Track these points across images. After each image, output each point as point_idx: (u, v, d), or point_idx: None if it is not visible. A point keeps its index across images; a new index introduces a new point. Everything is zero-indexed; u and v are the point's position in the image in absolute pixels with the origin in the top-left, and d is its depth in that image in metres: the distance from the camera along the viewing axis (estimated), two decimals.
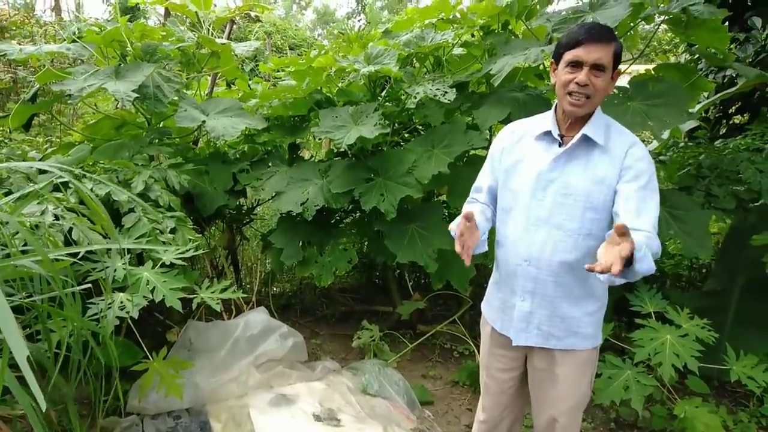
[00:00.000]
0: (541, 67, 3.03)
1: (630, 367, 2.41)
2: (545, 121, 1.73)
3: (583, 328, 1.74)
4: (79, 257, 2.01)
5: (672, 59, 3.82)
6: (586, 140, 1.62)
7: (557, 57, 1.64)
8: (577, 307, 1.72)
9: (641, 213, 1.52)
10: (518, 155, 1.75)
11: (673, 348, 2.35)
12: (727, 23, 2.68)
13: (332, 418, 2.58)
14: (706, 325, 2.48)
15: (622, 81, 2.92)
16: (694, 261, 3.94)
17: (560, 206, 1.64)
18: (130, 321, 2.51)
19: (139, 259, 2.70)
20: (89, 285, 2.01)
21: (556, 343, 1.75)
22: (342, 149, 2.91)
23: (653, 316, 2.58)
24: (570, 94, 1.59)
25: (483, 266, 3.84)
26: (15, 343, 1.02)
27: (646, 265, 1.38)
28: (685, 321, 2.52)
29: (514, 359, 1.88)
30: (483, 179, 1.90)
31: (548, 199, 1.66)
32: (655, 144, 3.81)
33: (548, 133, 1.70)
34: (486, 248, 1.74)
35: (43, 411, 1.00)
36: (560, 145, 1.67)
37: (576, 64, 1.57)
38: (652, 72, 2.97)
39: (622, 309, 3.12)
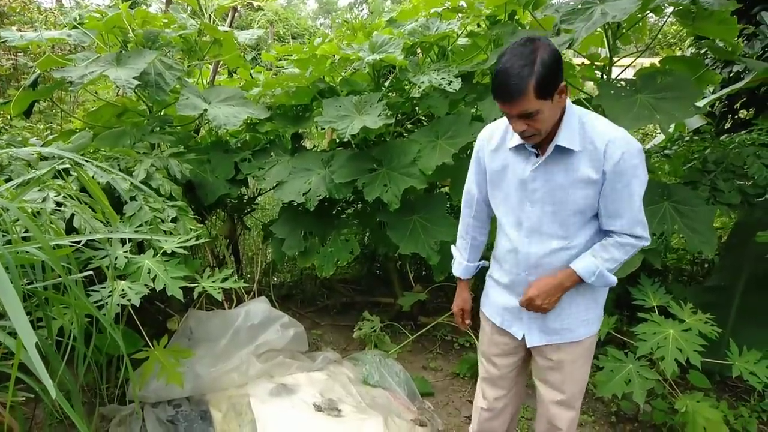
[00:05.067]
0: None
1: (632, 361, 2.41)
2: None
3: (585, 319, 1.76)
4: (80, 245, 1.99)
5: (678, 53, 3.78)
6: (562, 148, 1.58)
7: None
8: (576, 304, 1.74)
9: (615, 216, 1.59)
10: (503, 161, 1.73)
11: (676, 342, 2.34)
12: (735, 16, 2.64)
13: (333, 408, 2.58)
14: (709, 320, 2.47)
15: (628, 73, 2.90)
16: (697, 256, 3.93)
17: (550, 215, 1.65)
18: (131, 309, 2.51)
19: (140, 247, 2.69)
20: (90, 273, 1.99)
21: (560, 338, 1.75)
22: (345, 139, 2.88)
23: (656, 310, 2.57)
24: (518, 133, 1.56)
25: (485, 258, 3.84)
26: (23, 330, 1.01)
27: (602, 282, 1.64)
28: (688, 315, 2.51)
29: (515, 347, 1.89)
30: (472, 186, 1.90)
31: (536, 210, 1.67)
32: (660, 138, 3.78)
33: (523, 145, 1.66)
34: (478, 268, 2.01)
35: (53, 398, 0.99)
36: (537, 155, 1.64)
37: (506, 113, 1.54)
38: (659, 65, 2.94)
39: (624, 303, 3.12)
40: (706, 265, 3.96)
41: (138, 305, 2.15)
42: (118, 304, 2.12)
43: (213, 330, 2.76)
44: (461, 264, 2.01)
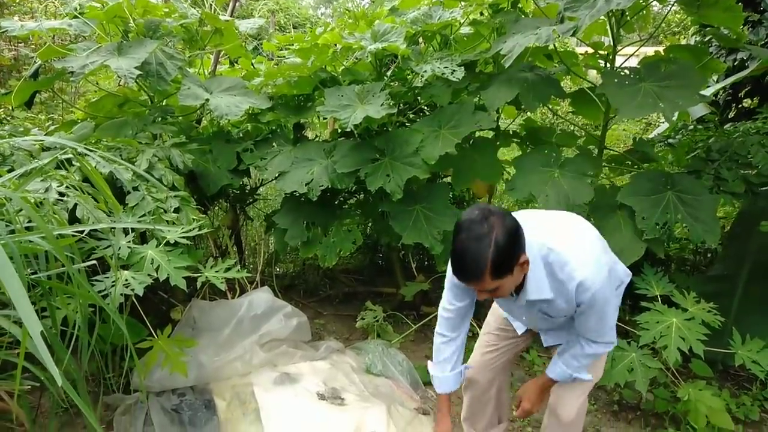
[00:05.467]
0: (551, 47, 2.98)
1: (635, 350, 2.41)
2: None
3: None
4: (83, 235, 2.00)
5: (682, 41, 3.75)
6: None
7: None
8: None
9: (587, 330, 1.71)
10: None
11: (679, 331, 2.34)
12: (740, 4, 2.62)
13: (336, 396, 2.59)
14: (712, 309, 2.47)
15: (632, 62, 2.88)
16: (700, 245, 3.92)
17: (544, 321, 1.80)
18: (134, 299, 2.52)
19: (143, 237, 2.69)
20: (94, 262, 2.00)
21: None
22: (347, 129, 2.87)
23: (659, 299, 2.57)
24: None
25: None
26: (29, 319, 1.01)
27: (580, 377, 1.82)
28: (691, 305, 2.51)
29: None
30: (451, 300, 1.84)
31: (532, 320, 1.87)
32: (664, 126, 3.76)
33: None
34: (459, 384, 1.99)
35: (60, 386, 1.00)
36: (515, 297, 1.68)
37: None
38: (663, 53, 2.92)
39: (626, 292, 3.11)
40: (709, 255, 3.96)
41: (141, 295, 2.16)
42: (121, 294, 2.13)
43: (216, 320, 2.77)
44: (444, 376, 1.93)
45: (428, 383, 2.93)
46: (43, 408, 2.28)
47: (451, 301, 1.81)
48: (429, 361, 2.01)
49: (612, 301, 1.66)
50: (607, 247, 1.75)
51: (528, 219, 1.59)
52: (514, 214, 1.70)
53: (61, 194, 2.21)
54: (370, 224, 3.90)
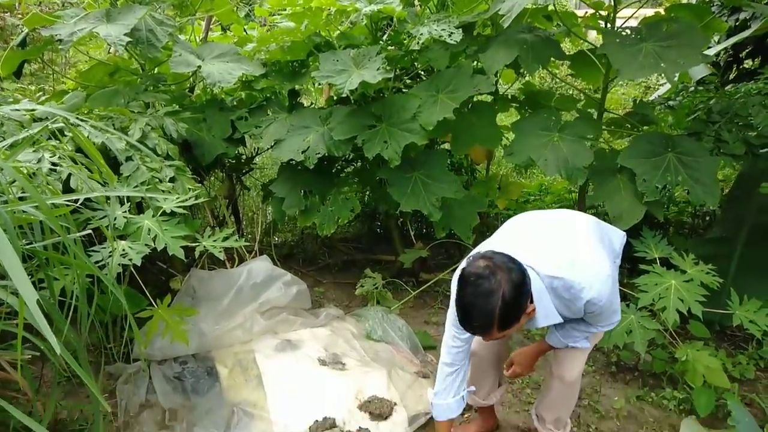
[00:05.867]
0: (550, 7, 2.91)
1: (633, 312, 2.42)
2: None
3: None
4: (78, 204, 1.98)
5: (683, 0, 3.68)
6: None
7: None
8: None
9: (595, 324, 1.75)
10: None
11: (678, 293, 2.35)
12: None
13: (337, 362, 2.62)
14: (711, 271, 2.48)
15: (632, 24, 2.82)
16: (699, 208, 3.91)
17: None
18: (133, 270, 2.51)
19: (139, 208, 2.67)
20: (89, 232, 1.98)
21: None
22: (343, 95, 2.82)
23: (658, 261, 2.58)
24: None
25: (486, 214, 3.83)
26: (24, 288, 1.00)
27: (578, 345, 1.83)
28: (689, 266, 2.51)
29: None
30: (455, 336, 1.80)
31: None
32: (666, 88, 3.71)
33: None
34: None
35: (59, 354, 0.99)
36: None
37: None
38: (664, 13, 2.85)
39: (625, 255, 3.12)
40: (707, 218, 3.96)
41: (139, 265, 2.15)
42: (119, 264, 2.12)
43: (216, 289, 2.77)
44: (446, 403, 1.86)
45: (428, 347, 2.97)
46: (46, 378, 2.30)
47: (455, 337, 1.79)
48: (429, 389, 1.96)
49: (616, 294, 1.69)
50: (602, 230, 1.79)
51: (525, 245, 1.62)
52: (505, 233, 1.77)
53: (53, 165, 2.19)
54: (368, 192, 3.88)
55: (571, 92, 4.98)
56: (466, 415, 2.42)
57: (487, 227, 3.73)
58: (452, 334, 1.77)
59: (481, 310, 1.43)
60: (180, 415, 2.30)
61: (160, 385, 2.42)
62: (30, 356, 1.36)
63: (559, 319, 1.62)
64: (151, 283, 2.83)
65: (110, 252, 2.11)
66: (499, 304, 1.40)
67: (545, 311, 1.59)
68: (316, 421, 2.23)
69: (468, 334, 1.74)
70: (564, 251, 1.62)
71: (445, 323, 1.81)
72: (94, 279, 1.93)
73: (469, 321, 1.49)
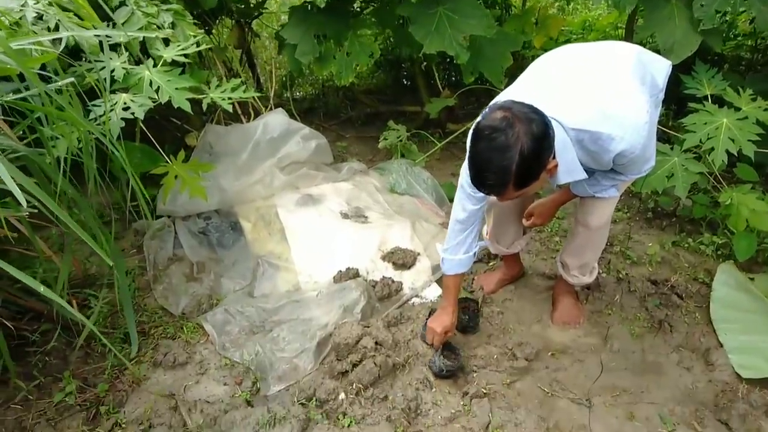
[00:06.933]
0: None
1: (677, 154, 2.23)
2: None
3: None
4: (62, 46, 1.83)
5: None
6: None
7: None
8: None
9: (624, 173, 1.58)
10: None
11: (729, 132, 2.13)
12: None
13: (360, 215, 2.57)
14: None
15: None
16: (760, 42, 3.47)
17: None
18: (147, 127, 2.42)
19: (138, 62, 2.50)
20: (88, 83, 1.85)
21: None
22: None
23: (710, 99, 2.31)
24: None
25: (521, 55, 3.50)
26: None
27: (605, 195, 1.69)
28: (745, 103, 2.25)
29: None
30: (465, 207, 1.65)
31: None
32: None
33: None
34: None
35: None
36: None
37: None
38: None
39: (672, 95, 2.83)
40: None
41: (142, 118, 2.04)
42: (122, 119, 2.01)
43: (233, 144, 2.68)
44: (457, 259, 1.74)
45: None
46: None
47: (469, 196, 1.62)
48: (438, 244, 1.84)
49: (651, 140, 1.48)
50: (644, 67, 1.50)
51: (551, 93, 1.40)
52: (529, 78, 1.53)
53: (39, 15, 2.00)
54: (389, 35, 3.56)
55: None
56: (491, 263, 2.39)
57: (521, 71, 3.43)
58: (466, 193, 1.62)
59: (496, 166, 1.26)
60: (207, 267, 2.34)
61: (186, 239, 2.44)
62: (27, 212, 1.32)
63: (583, 175, 1.44)
64: (168, 140, 2.76)
65: (111, 106, 1.99)
66: (516, 159, 1.23)
67: (568, 166, 1.41)
68: (340, 271, 2.23)
69: (476, 206, 1.62)
70: (595, 99, 1.39)
71: (458, 180, 1.66)
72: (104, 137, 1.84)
73: (482, 179, 1.32)
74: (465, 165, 1.55)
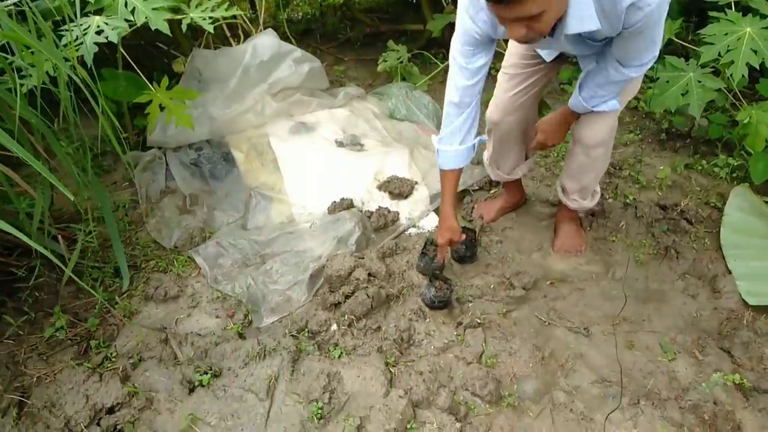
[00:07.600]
0: None
1: (693, 69, 2.06)
2: None
3: None
4: None
5: None
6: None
7: None
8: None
9: (627, 58, 1.41)
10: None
11: (752, 43, 1.94)
12: None
13: (355, 143, 2.47)
14: None
15: None
16: None
17: (578, 47, 1.46)
18: (128, 54, 2.28)
19: None
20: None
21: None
22: None
23: (733, 6, 2.10)
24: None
25: None
26: None
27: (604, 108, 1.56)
28: None
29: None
30: (466, 58, 1.45)
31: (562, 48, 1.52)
32: None
33: None
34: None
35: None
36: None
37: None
38: None
39: (692, 6, 2.60)
40: None
41: (116, 41, 1.91)
42: (98, 44, 1.89)
43: (221, 69, 2.54)
44: (452, 150, 1.60)
45: None
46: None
47: (462, 68, 1.45)
48: (433, 135, 1.72)
49: (660, 24, 1.30)
50: None
51: None
52: None
53: None
54: None
55: None
56: (492, 191, 2.30)
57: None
58: (458, 66, 1.47)
59: None
60: (200, 199, 2.28)
61: (178, 171, 2.37)
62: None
63: (595, 25, 1.26)
64: (157, 67, 2.63)
65: (83, 30, 1.86)
66: None
67: (580, 11, 1.24)
68: (334, 202, 2.16)
69: (478, 64, 1.45)
70: None
71: (449, 51, 1.49)
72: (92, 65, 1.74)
73: None
74: (458, 21, 1.41)
